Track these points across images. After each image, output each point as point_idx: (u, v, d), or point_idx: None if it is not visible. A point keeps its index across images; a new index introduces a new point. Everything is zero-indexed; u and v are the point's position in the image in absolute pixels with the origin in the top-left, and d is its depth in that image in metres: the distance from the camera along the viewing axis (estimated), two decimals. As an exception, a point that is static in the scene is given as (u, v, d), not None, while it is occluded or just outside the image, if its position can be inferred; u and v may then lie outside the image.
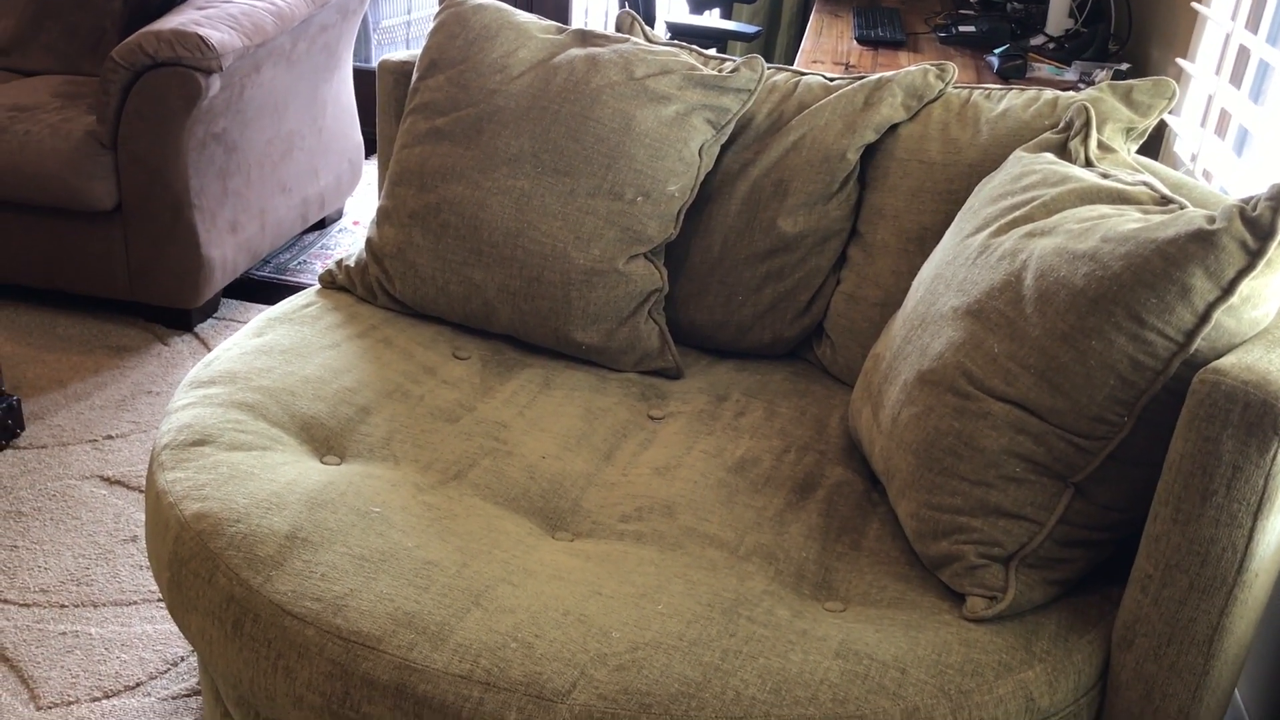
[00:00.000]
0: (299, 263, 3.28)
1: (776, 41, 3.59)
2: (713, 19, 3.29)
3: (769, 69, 1.95)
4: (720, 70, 1.85)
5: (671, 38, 3.01)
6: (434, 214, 1.81)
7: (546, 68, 1.83)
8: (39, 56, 3.17)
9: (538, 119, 1.79)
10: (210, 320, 2.89)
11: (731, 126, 1.82)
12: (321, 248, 3.39)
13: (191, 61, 2.50)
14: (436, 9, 4.97)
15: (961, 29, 2.97)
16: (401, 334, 1.81)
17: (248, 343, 1.71)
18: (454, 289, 1.81)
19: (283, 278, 3.18)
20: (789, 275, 1.82)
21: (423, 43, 4.79)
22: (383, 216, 1.87)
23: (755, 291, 1.84)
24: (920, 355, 1.41)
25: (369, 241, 1.88)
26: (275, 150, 2.97)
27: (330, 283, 1.92)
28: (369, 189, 3.84)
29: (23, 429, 2.35)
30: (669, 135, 1.77)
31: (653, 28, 3.37)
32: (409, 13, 4.87)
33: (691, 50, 1.94)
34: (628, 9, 2.05)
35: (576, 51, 1.85)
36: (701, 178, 1.81)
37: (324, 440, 1.54)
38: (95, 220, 2.71)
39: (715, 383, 1.80)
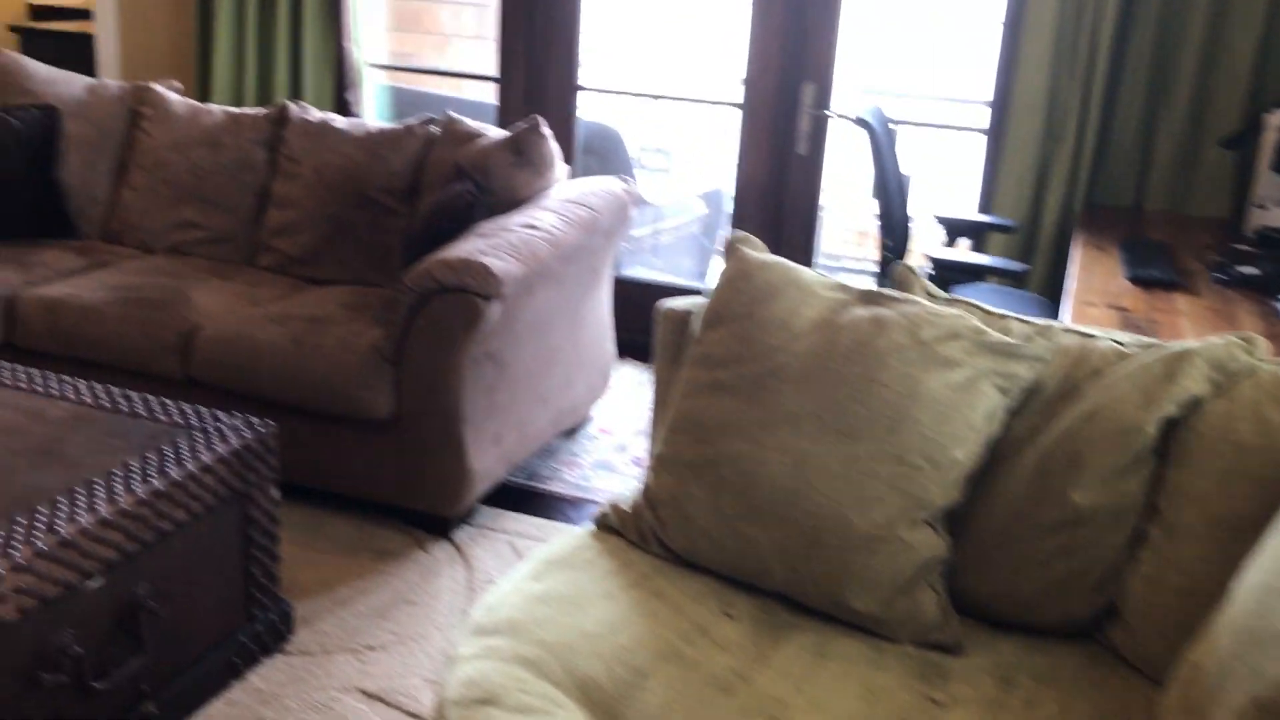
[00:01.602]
0: (550, 469, 3.36)
1: (1031, 272, 3.53)
2: (971, 253, 3.27)
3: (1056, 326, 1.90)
4: (1008, 333, 1.82)
5: (934, 272, 3.00)
6: (711, 467, 1.81)
7: (831, 327, 1.84)
8: (330, 268, 3.44)
9: (821, 379, 1.79)
10: (466, 527, 2.97)
11: (1022, 394, 1.77)
12: (570, 455, 3.47)
13: (476, 289, 2.65)
14: (680, 219, 5.17)
15: (1241, 270, 2.84)
16: (672, 585, 1.80)
17: (527, 588, 1.73)
18: (728, 544, 1.80)
19: (533, 484, 3.26)
20: (1081, 551, 1.73)
21: (669, 257, 4.95)
22: (659, 464, 1.89)
23: (1043, 565, 1.75)
24: (1254, 678, 1.29)
25: (645, 488, 1.90)
26: (538, 365, 3.09)
27: (604, 525, 1.95)
28: (618, 395, 3.92)
29: (292, 634, 2.45)
30: (956, 401, 1.74)
31: (905, 257, 3.37)
32: (656, 221, 5.07)
33: (977, 309, 1.91)
34: (902, 264, 2.05)
35: (860, 311, 1.85)
36: (989, 444, 1.76)
37: (602, 705, 1.53)
38: (368, 427, 2.86)
39: (1000, 663, 1.70)
